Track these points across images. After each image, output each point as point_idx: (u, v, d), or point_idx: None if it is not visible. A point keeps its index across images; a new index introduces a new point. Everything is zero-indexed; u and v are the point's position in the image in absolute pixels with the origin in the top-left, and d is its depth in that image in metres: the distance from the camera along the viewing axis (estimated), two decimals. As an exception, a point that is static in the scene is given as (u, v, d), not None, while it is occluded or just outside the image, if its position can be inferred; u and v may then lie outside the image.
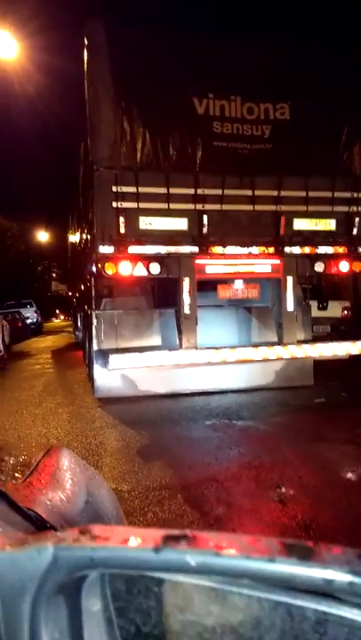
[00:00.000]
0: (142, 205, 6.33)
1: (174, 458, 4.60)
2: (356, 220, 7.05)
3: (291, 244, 6.91)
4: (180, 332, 6.77)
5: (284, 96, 6.72)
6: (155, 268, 6.56)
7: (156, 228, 6.46)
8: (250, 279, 7.16)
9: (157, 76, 6.35)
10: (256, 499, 3.59)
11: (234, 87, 6.58)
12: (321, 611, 0.45)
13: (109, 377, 6.98)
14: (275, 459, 4.43)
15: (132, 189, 6.27)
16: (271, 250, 6.90)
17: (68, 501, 0.94)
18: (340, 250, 7.09)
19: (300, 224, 6.94)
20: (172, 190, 6.38)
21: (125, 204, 6.28)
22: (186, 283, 6.67)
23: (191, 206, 6.51)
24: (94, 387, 7.22)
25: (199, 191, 6.48)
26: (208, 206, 6.53)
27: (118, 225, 6.28)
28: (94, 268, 6.72)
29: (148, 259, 6.51)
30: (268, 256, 6.96)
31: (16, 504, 0.75)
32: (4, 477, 3.94)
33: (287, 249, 6.91)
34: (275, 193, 6.72)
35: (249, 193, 6.64)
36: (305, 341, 7.35)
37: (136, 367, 6.62)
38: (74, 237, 14.14)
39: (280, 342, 7.08)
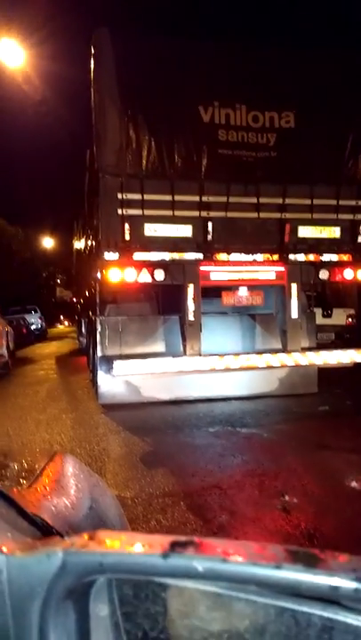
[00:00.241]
0: (147, 212, 6.35)
1: (177, 465, 4.59)
2: (362, 227, 7.05)
3: (295, 252, 6.91)
4: (184, 339, 6.77)
5: (289, 104, 6.74)
6: (159, 275, 6.57)
7: (160, 235, 6.48)
8: (254, 286, 7.17)
9: (163, 85, 6.38)
10: (259, 507, 3.57)
11: (239, 95, 6.61)
12: (327, 617, 0.45)
13: (113, 383, 6.99)
14: (278, 467, 4.42)
15: (137, 196, 6.30)
16: (276, 257, 6.91)
17: (73, 507, 0.94)
18: (345, 257, 7.09)
19: (305, 232, 6.95)
20: (178, 197, 6.41)
21: (131, 211, 6.31)
22: (190, 289, 6.68)
23: (196, 213, 6.52)
24: (98, 393, 7.22)
25: (204, 198, 6.50)
26: (213, 213, 6.55)
27: (123, 232, 6.30)
28: (99, 275, 6.74)
29: (152, 265, 6.53)
30: (273, 263, 6.96)
31: (23, 509, 0.75)
32: (8, 483, 3.94)
33: (292, 256, 6.91)
34: (279, 200, 6.73)
35: (254, 200, 6.66)
36: (309, 349, 7.32)
37: (140, 374, 6.61)
38: (79, 244, 14.18)
39: (284, 349, 7.06)
